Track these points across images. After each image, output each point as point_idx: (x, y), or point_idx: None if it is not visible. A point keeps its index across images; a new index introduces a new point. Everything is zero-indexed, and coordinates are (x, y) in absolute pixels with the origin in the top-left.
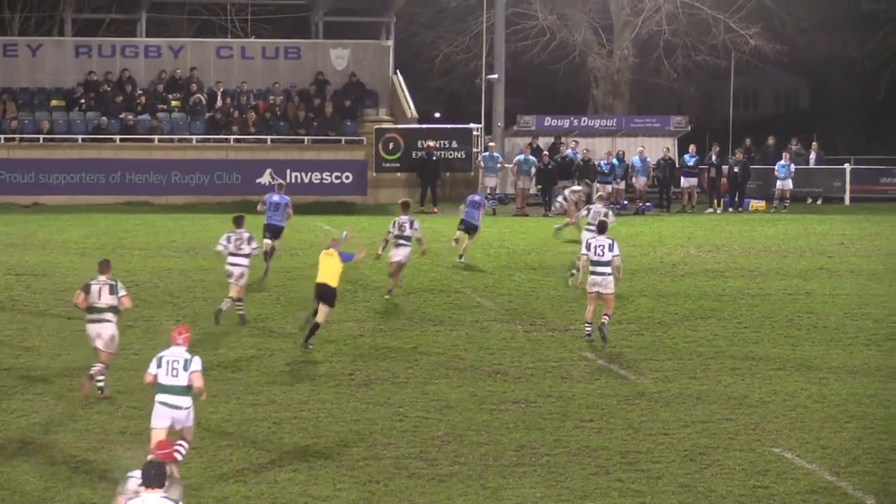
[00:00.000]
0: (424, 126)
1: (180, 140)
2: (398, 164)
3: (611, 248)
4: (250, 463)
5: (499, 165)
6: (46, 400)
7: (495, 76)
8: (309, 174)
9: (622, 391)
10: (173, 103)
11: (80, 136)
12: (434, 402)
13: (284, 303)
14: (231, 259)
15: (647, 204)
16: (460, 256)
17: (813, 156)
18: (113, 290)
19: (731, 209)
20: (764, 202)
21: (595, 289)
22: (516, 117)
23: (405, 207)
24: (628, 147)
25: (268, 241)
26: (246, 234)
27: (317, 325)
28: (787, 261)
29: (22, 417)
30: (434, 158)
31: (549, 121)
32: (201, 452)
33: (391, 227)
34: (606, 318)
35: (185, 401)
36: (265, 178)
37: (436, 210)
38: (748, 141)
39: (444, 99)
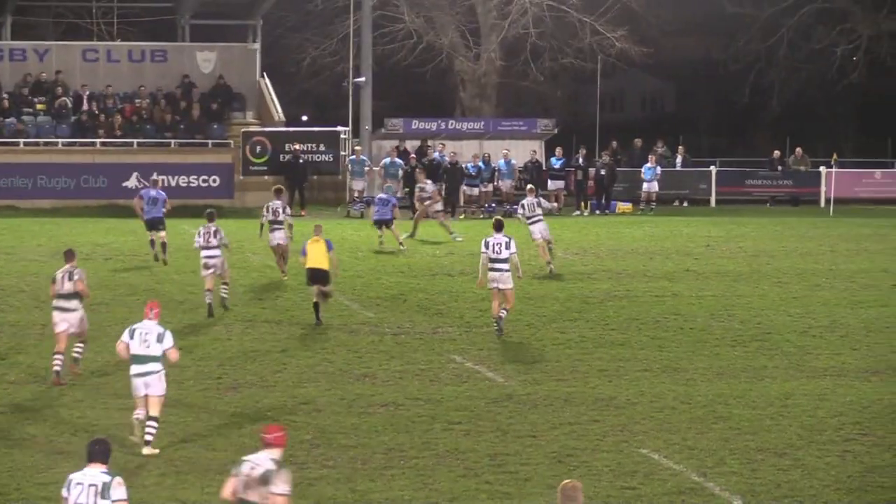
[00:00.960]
0: (292, 129)
1: (46, 143)
2: (265, 168)
3: (507, 246)
4: (118, 468)
5: (366, 168)
6: None
7: (362, 79)
8: (176, 177)
9: (490, 393)
10: (38, 106)
11: None
12: (302, 405)
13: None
14: (204, 252)
15: (515, 206)
16: (401, 243)
17: (679, 158)
18: (71, 277)
19: (598, 211)
20: (631, 204)
21: (494, 285)
22: (384, 120)
23: (278, 193)
24: (496, 150)
25: (155, 235)
26: (213, 228)
27: (320, 302)
28: (653, 262)
29: None
30: (301, 162)
31: (416, 124)
32: (67, 457)
33: (265, 211)
34: (504, 312)
35: (156, 367)
36: (132, 182)
37: (304, 213)
38: (615, 143)
39: (312, 102)
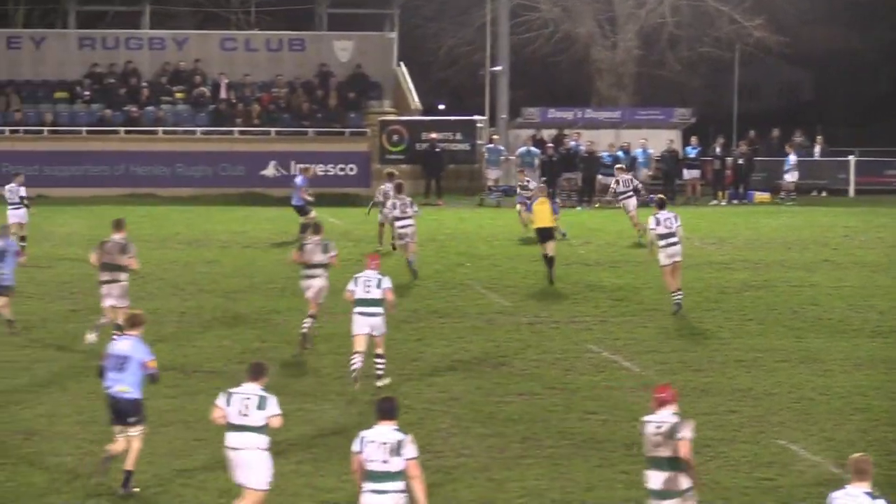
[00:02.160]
0: (428, 118)
1: (185, 132)
2: (402, 156)
3: (676, 220)
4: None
5: (502, 157)
6: (51, 392)
7: (499, 68)
8: (313, 166)
9: (627, 383)
10: (177, 95)
11: (84, 129)
12: (439, 394)
13: (290, 295)
14: (399, 223)
15: (652, 196)
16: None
17: (817, 148)
18: (325, 250)
19: (735, 201)
20: (769, 194)
21: (672, 259)
22: (520, 109)
23: (391, 177)
24: (632, 139)
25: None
26: (408, 199)
27: (552, 259)
28: (791, 253)
29: (27, 409)
30: (438, 150)
31: (553, 113)
32: (206, 444)
33: (378, 196)
34: (679, 292)
35: (379, 309)
36: (269, 171)
37: (440, 202)
38: (752, 133)
39: (448, 91)
